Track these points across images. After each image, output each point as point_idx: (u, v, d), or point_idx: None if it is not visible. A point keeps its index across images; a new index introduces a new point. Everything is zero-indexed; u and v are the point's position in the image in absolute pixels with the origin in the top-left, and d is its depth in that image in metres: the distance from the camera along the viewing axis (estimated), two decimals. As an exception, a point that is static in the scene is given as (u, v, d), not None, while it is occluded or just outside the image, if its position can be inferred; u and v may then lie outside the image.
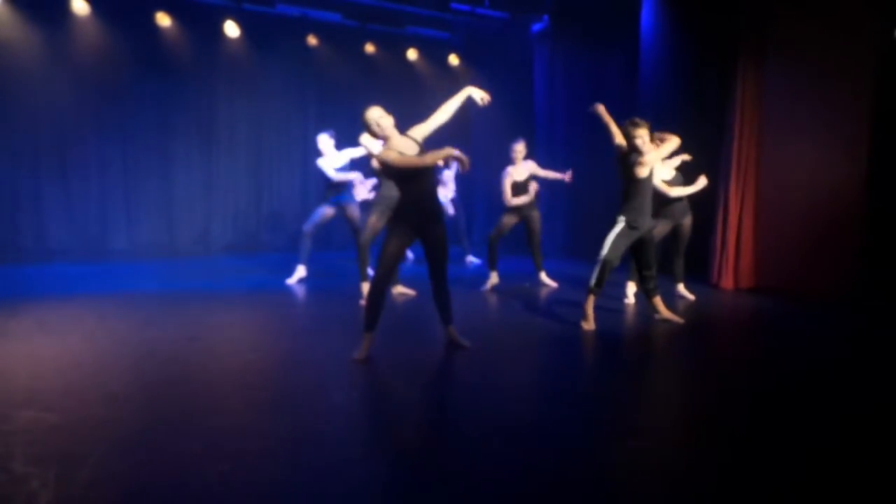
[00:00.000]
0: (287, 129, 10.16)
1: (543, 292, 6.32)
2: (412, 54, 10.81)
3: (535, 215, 6.46)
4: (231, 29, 9.22)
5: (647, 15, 7.81)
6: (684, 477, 2.34)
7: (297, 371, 3.69)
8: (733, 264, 6.61)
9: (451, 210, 5.20)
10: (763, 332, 4.95)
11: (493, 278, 6.44)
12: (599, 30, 8.88)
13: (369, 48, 10.38)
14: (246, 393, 3.30)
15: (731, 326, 5.24)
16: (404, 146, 3.79)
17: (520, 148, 6.38)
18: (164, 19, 8.77)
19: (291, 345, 4.34)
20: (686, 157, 5.61)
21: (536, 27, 9.90)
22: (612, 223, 4.67)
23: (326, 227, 7.25)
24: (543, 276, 6.68)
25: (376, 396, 3.42)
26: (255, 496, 2.16)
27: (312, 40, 9.91)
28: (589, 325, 4.64)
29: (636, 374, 3.83)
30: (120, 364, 3.75)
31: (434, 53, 11.08)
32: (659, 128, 7.77)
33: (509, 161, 6.43)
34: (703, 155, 7.55)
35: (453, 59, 11.17)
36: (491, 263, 6.44)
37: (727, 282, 6.60)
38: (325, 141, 6.39)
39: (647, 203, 4.67)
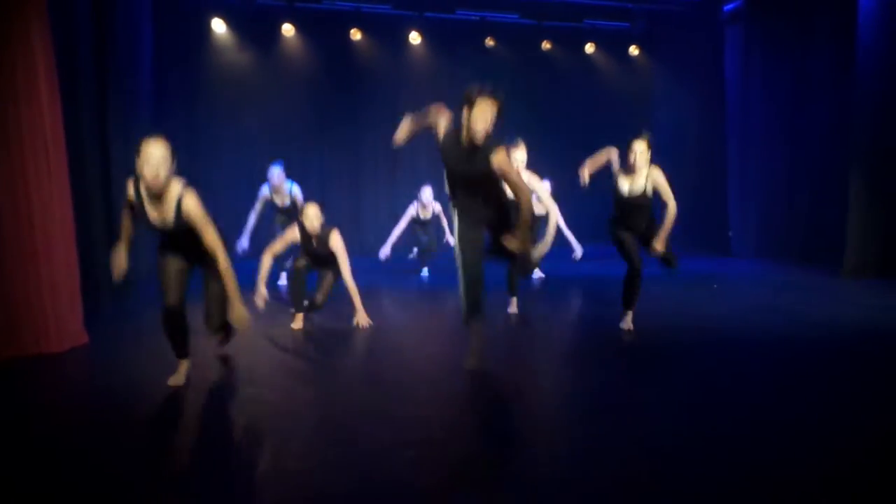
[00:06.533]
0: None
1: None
2: (590, 48, 10.56)
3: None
4: (414, 37, 9.75)
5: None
6: None
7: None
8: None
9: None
10: None
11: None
12: (805, 7, 7.94)
13: (546, 45, 10.33)
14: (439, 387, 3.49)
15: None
16: None
17: None
18: (356, 34, 9.54)
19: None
20: None
21: (728, 7, 9.12)
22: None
23: None
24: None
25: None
26: (439, 478, 2.29)
27: (490, 42, 10.11)
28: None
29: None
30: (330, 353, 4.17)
31: (613, 46, 10.71)
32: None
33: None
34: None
35: (633, 51, 10.72)
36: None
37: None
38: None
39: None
